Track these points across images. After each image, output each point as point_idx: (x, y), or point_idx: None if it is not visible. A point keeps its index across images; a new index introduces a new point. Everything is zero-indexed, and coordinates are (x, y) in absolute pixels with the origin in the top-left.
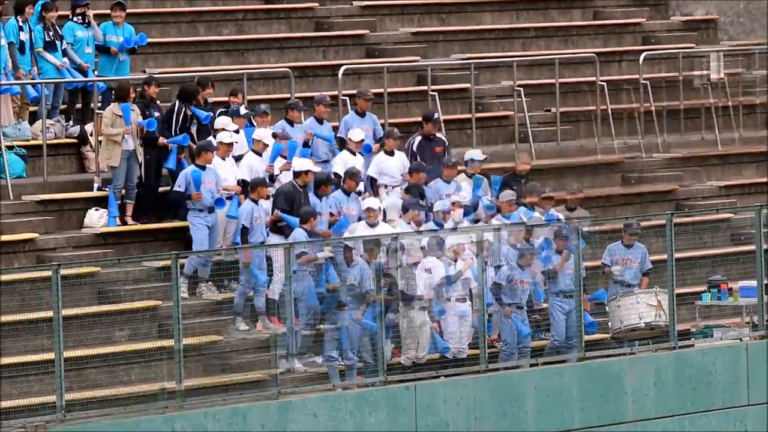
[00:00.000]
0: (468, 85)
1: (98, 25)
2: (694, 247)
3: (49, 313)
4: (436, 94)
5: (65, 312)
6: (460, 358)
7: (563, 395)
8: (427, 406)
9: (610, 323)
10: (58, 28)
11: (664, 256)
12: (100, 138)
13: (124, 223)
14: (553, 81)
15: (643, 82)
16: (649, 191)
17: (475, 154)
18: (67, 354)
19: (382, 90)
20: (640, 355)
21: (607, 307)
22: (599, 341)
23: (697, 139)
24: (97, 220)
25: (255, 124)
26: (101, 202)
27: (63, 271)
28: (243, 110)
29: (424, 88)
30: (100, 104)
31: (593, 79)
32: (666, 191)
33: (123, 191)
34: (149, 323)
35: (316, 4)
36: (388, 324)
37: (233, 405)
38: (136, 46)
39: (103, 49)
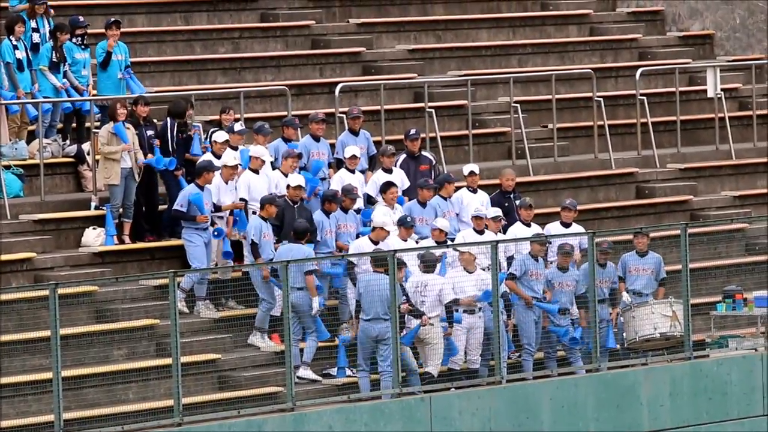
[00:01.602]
0: (465, 101)
1: (95, 44)
2: (708, 257)
3: (47, 333)
4: (432, 111)
5: (63, 331)
6: (473, 369)
7: (578, 406)
8: (443, 418)
9: (624, 333)
10: (64, 50)
11: (679, 267)
12: (97, 157)
13: (122, 241)
14: (549, 97)
15: (639, 97)
16: (664, 202)
17: (473, 167)
18: (65, 373)
19: (378, 107)
20: (655, 366)
21: (621, 318)
22: (615, 351)
23: (711, 150)
24: (94, 239)
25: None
26: (98, 221)
27: (60, 290)
28: (238, 127)
29: (421, 105)
30: (97, 123)
31: (590, 94)
32: (680, 202)
33: (121, 210)
34: (147, 342)
35: (313, 22)
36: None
37: (248, 417)
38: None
39: (104, 63)
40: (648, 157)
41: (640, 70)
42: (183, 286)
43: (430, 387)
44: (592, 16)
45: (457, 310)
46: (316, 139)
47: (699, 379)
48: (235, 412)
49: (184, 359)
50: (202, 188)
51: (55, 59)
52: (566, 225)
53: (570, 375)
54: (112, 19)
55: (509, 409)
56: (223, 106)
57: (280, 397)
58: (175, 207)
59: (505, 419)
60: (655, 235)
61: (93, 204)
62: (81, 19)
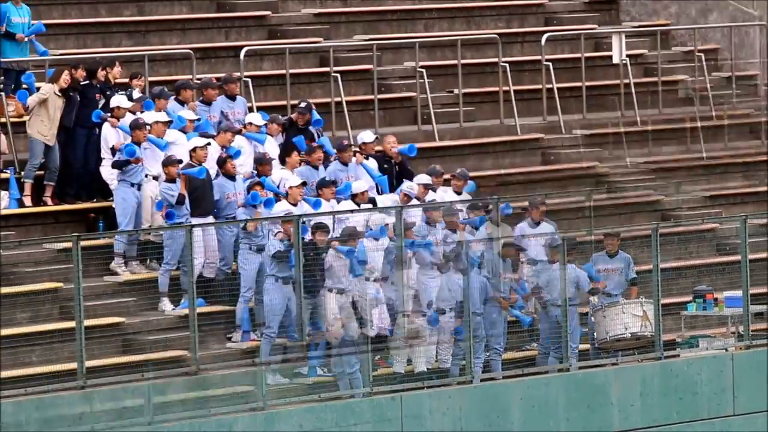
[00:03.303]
0: (370, 66)
1: None
2: (679, 257)
3: None
4: (338, 75)
5: None
6: (444, 369)
7: (549, 405)
8: (413, 417)
9: (595, 333)
10: None
11: (650, 266)
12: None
13: (45, 203)
14: (455, 62)
15: (545, 63)
16: (569, 167)
17: (366, 136)
18: None
19: (284, 71)
20: (625, 366)
21: (593, 318)
22: (585, 351)
23: (616, 116)
24: None
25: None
26: (2, 184)
27: None
28: (136, 94)
29: (327, 69)
30: (1, 86)
31: (496, 60)
32: (586, 167)
33: (39, 172)
34: (50, 305)
35: None
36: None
37: (219, 417)
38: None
39: (7, 35)
40: (554, 123)
41: (545, 36)
42: (116, 249)
43: (400, 386)
44: None
45: (443, 312)
46: (232, 98)
47: (669, 379)
48: (138, 375)
49: (87, 322)
50: (138, 145)
51: None
52: (537, 223)
53: (541, 375)
54: None
55: (480, 409)
56: (134, 71)
57: (250, 397)
58: (114, 159)
59: (475, 419)
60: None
61: None
62: None
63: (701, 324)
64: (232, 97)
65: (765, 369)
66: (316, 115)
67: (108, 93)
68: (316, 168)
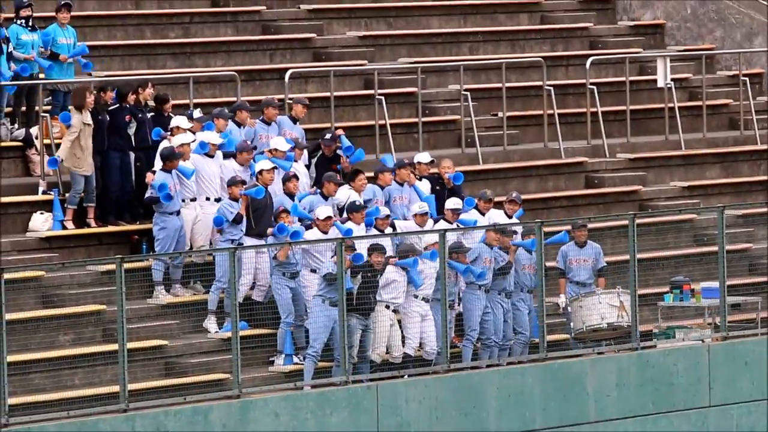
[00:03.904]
0: (415, 89)
1: (43, 28)
2: (656, 247)
3: None
4: (382, 98)
5: (9, 316)
6: (428, 360)
7: (525, 395)
8: (389, 406)
9: (572, 324)
10: (4, 30)
11: (627, 257)
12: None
13: (88, 225)
14: (500, 85)
15: (590, 86)
16: (612, 192)
17: (422, 156)
18: (10, 358)
19: (328, 94)
20: (602, 356)
21: (569, 308)
22: (561, 342)
23: (660, 140)
24: (41, 223)
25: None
26: (46, 206)
27: (7, 275)
28: (197, 113)
29: (371, 92)
30: (47, 108)
31: (540, 83)
32: (629, 192)
33: (82, 194)
34: (93, 327)
35: (263, 8)
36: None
37: (194, 404)
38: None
39: (53, 56)
40: (597, 146)
41: (590, 59)
42: (155, 278)
43: (377, 375)
44: (544, 4)
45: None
46: (268, 123)
47: (645, 370)
48: (180, 399)
49: (130, 345)
50: (169, 172)
51: None
52: (510, 216)
53: (517, 364)
54: (63, 2)
55: (456, 398)
56: (162, 94)
57: (226, 384)
58: (147, 195)
59: (451, 408)
60: (603, 226)
61: (41, 189)
62: (24, 0)
63: (678, 315)
64: (294, 120)
65: (741, 360)
66: (347, 142)
67: (140, 115)
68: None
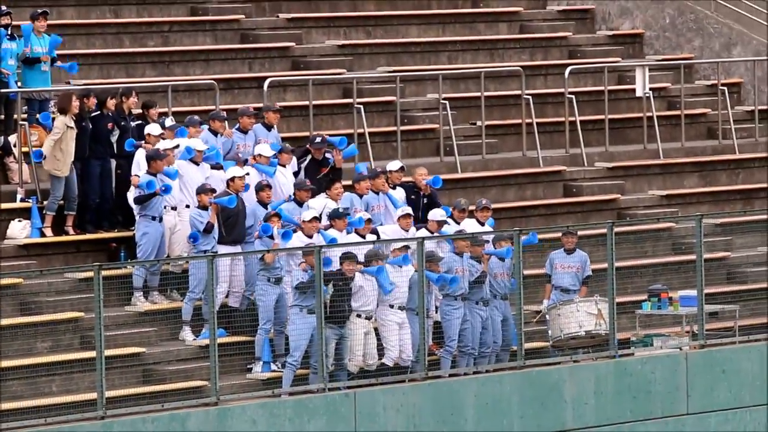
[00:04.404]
0: (394, 98)
1: (20, 37)
2: (635, 256)
3: None
4: (361, 106)
5: None
6: (404, 367)
7: (503, 403)
8: (367, 413)
9: (550, 331)
10: None
11: (605, 265)
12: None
13: (66, 233)
14: (478, 94)
15: (568, 95)
16: (591, 200)
17: (392, 165)
18: None
19: (307, 102)
20: (579, 364)
21: (547, 315)
22: (539, 349)
23: (638, 149)
24: (19, 231)
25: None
26: (24, 214)
27: None
28: (169, 122)
29: (350, 100)
30: (24, 116)
31: (519, 92)
32: (608, 200)
33: (61, 202)
34: (71, 334)
35: (242, 17)
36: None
37: (172, 411)
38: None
39: (29, 61)
40: (576, 155)
41: (569, 69)
42: (135, 284)
43: (354, 383)
44: (522, 13)
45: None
46: (244, 131)
47: (623, 378)
48: (158, 405)
49: (108, 352)
50: (155, 176)
51: None
52: (482, 224)
53: (495, 372)
54: (40, 11)
55: (434, 406)
56: (147, 100)
57: (203, 392)
58: (135, 195)
59: (429, 416)
60: (582, 234)
61: (19, 196)
62: (3, 8)
63: (656, 323)
64: (268, 127)
65: (719, 368)
66: (343, 144)
67: (123, 123)
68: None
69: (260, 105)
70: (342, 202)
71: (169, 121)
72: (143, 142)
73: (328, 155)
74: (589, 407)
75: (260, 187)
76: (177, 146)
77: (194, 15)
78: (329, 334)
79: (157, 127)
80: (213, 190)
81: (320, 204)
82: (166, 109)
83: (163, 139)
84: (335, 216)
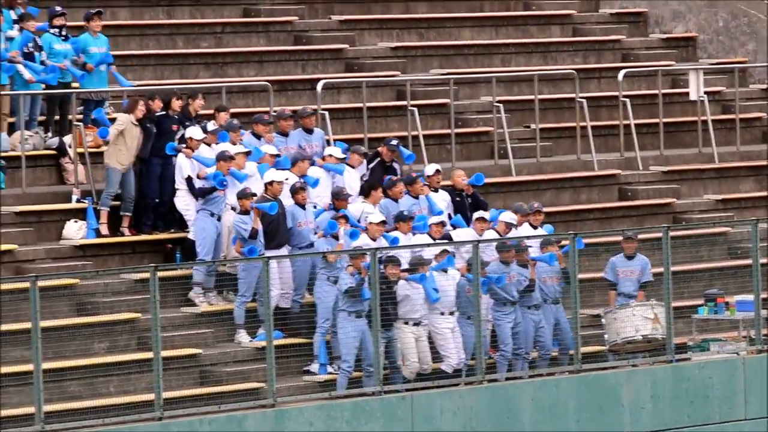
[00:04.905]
0: (447, 100)
1: (76, 36)
2: (691, 260)
3: (28, 325)
4: (415, 109)
5: (44, 324)
6: (457, 371)
7: (559, 407)
8: (424, 416)
9: (606, 336)
10: (37, 38)
11: (661, 269)
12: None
13: (122, 234)
14: (532, 97)
15: (622, 99)
16: (646, 204)
17: (428, 169)
18: (45, 366)
19: (361, 105)
20: (636, 368)
21: (603, 320)
22: (596, 353)
23: (693, 153)
24: (75, 232)
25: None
26: (80, 214)
27: (41, 283)
28: (211, 126)
29: (404, 103)
30: (79, 116)
31: (573, 95)
32: (662, 204)
33: (115, 201)
34: (128, 335)
35: (296, 18)
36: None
37: (229, 413)
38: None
39: (85, 66)
40: (631, 158)
41: (623, 72)
42: (195, 279)
43: (410, 385)
44: (575, 16)
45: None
46: (309, 131)
47: (680, 382)
48: (215, 407)
49: (165, 353)
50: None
51: (27, 50)
52: (534, 228)
53: (551, 376)
54: (94, 10)
55: (490, 409)
56: (219, 105)
57: (260, 393)
58: (198, 186)
59: (486, 419)
60: (637, 238)
61: (74, 197)
62: (58, 8)
63: (712, 327)
64: (309, 130)
65: None
66: (406, 152)
67: (187, 124)
68: (396, 201)
69: (315, 107)
70: (402, 203)
71: (211, 125)
72: (184, 146)
73: (395, 164)
74: (646, 412)
75: (295, 190)
76: (249, 152)
77: (247, 16)
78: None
79: (199, 131)
80: (254, 195)
81: (357, 209)
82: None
83: (206, 143)
84: (400, 219)
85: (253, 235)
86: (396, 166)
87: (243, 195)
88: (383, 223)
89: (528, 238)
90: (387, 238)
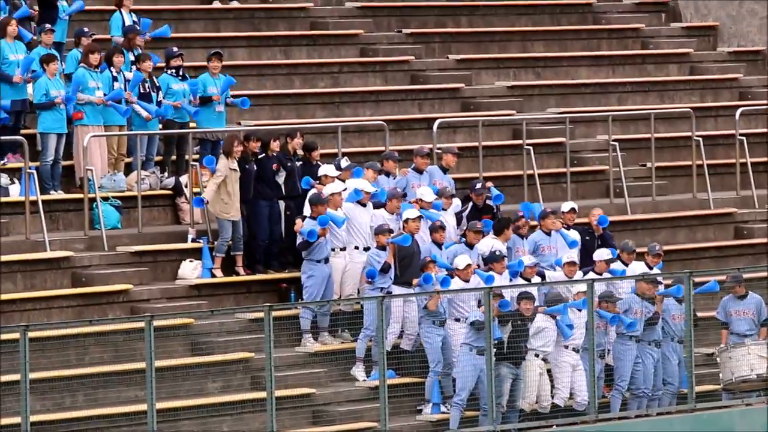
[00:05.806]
0: (563, 139)
1: (195, 77)
2: None
3: (142, 365)
4: (531, 147)
5: (158, 363)
6: (578, 411)
7: None
8: None
9: (721, 374)
10: (155, 79)
11: None
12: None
13: (237, 274)
14: (648, 135)
15: (739, 137)
16: (762, 242)
17: (564, 206)
18: (159, 405)
19: (476, 143)
20: (752, 407)
21: (718, 359)
22: (710, 392)
23: None
24: (191, 271)
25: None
26: (195, 254)
27: (156, 323)
28: (344, 162)
29: (519, 141)
30: (196, 156)
31: (689, 133)
32: None
33: (230, 242)
34: (242, 375)
35: (412, 58)
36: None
37: None
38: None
39: (203, 101)
40: (747, 197)
41: (740, 110)
42: (303, 327)
43: (525, 425)
44: (693, 55)
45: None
46: (419, 172)
47: None
48: None
49: (278, 393)
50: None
51: (143, 90)
52: (650, 268)
53: (665, 415)
54: (213, 51)
55: None
56: (310, 142)
57: None
58: (298, 242)
59: None
60: (753, 276)
61: (190, 237)
62: (175, 49)
63: None
64: (419, 171)
65: None
66: (496, 191)
67: (288, 164)
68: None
69: (431, 145)
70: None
71: (344, 162)
72: (318, 182)
73: (489, 201)
74: None
75: (434, 228)
76: (344, 189)
77: (364, 56)
78: (506, 372)
79: (333, 169)
80: (390, 231)
81: (488, 245)
82: (335, 150)
83: (341, 180)
84: (492, 260)
85: (385, 268)
86: (493, 205)
87: (380, 231)
88: (469, 266)
89: (653, 275)
90: (481, 276)
